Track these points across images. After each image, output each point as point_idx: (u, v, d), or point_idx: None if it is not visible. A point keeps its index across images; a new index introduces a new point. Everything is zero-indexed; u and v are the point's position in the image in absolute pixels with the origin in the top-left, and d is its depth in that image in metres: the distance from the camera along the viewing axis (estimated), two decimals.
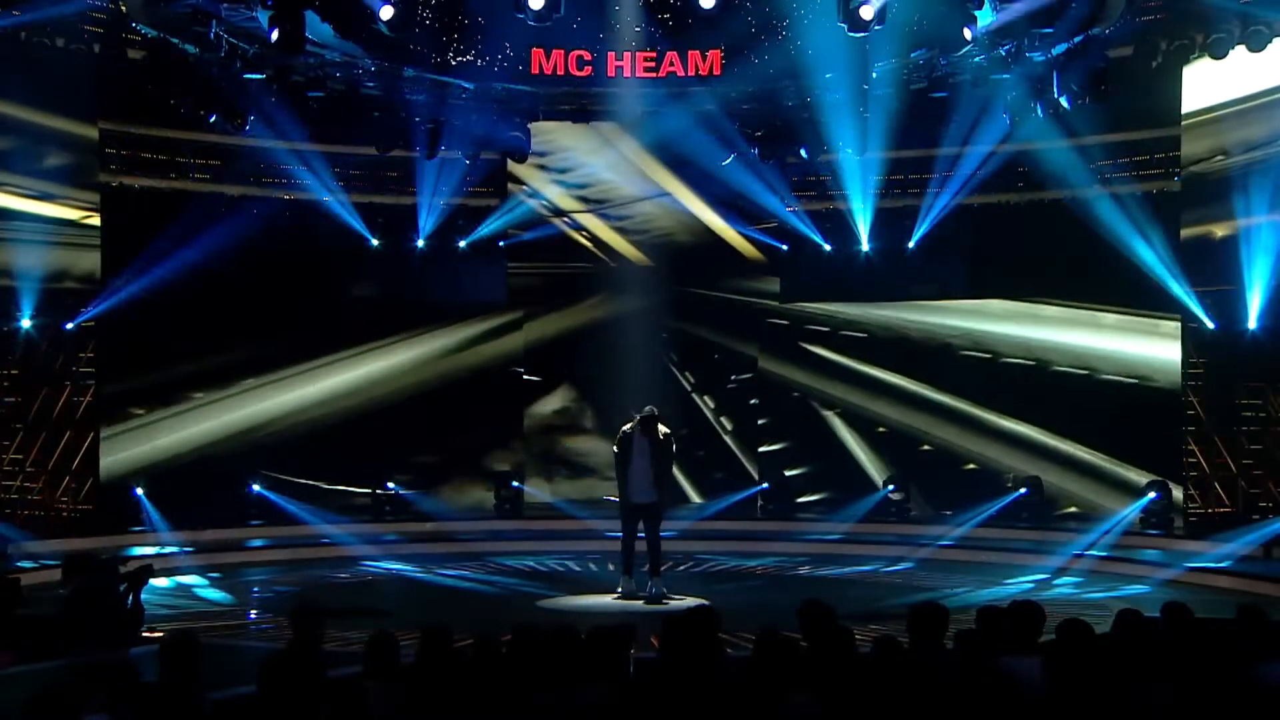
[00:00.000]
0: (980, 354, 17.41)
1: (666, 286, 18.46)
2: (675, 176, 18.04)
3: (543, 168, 18.17)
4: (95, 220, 15.86)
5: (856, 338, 18.04)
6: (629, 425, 12.50)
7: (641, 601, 12.18)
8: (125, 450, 16.23)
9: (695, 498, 18.13)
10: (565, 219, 18.46)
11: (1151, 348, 16.18)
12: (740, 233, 18.21)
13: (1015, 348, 17.19)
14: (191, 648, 5.52)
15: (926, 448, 17.50)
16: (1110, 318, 16.49)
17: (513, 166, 17.60)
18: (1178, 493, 15.65)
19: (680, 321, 18.61)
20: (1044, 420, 16.74)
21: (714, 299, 18.53)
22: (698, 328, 18.61)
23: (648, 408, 12.55)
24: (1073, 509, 16.38)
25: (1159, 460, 15.81)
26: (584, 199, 18.48)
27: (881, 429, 17.74)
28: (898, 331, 17.89)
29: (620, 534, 12.60)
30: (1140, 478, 15.81)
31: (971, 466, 17.18)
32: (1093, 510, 16.02)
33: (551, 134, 17.69)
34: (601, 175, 18.31)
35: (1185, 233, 15.60)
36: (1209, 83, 15.12)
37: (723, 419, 18.56)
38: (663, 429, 12.42)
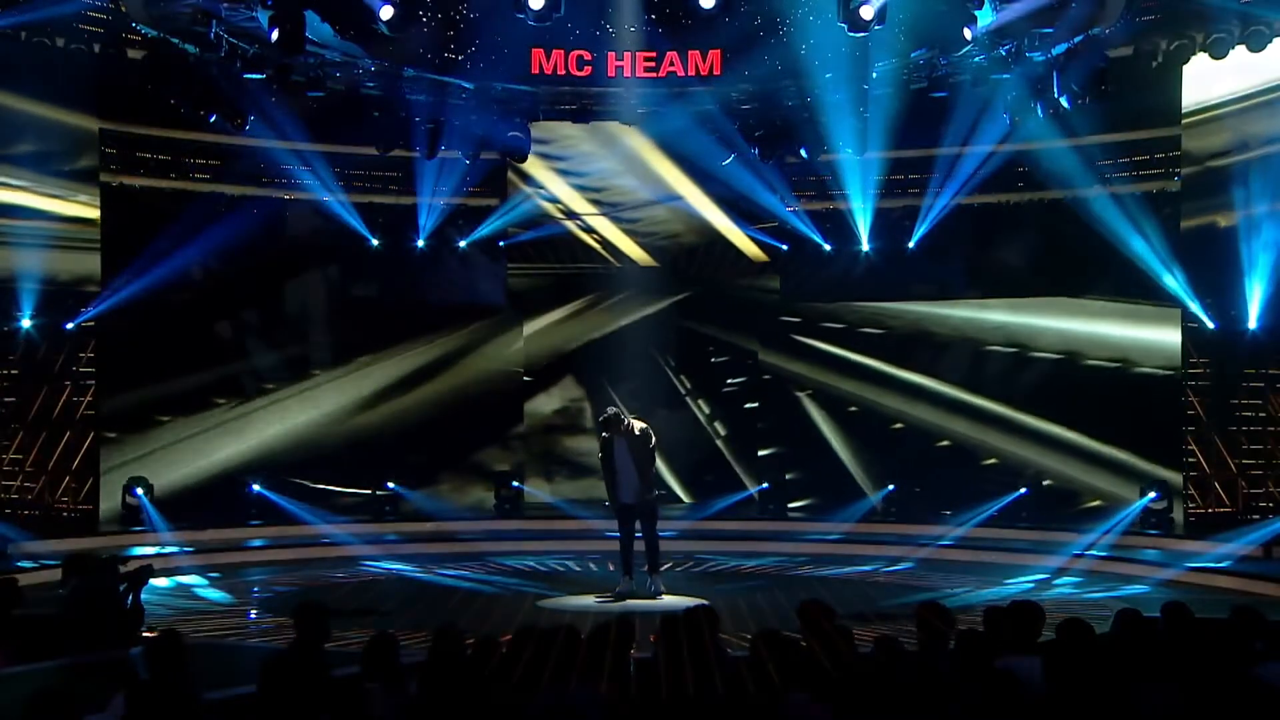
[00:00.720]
0: (986, 347, 17.38)
1: (669, 287, 18.47)
2: (687, 176, 17.98)
3: (562, 172, 18.14)
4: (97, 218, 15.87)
5: (855, 334, 17.99)
6: (605, 431, 12.56)
7: (621, 599, 12.20)
8: (127, 456, 16.25)
9: (687, 499, 18.11)
10: (577, 221, 18.41)
11: (1152, 346, 16.18)
12: (745, 233, 18.19)
13: (1025, 341, 17.16)
14: (177, 647, 5.53)
15: (945, 443, 17.43)
16: (1114, 310, 16.46)
17: (524, 167, 17.57)
18: (1177, 477, 15.68)
19: (684, 321, 18.60)
20: (1054, 413, 16.66)
21: (716, 300, 18.51)
22: (699, 329, 18.58)
23: (610, 409, 12.63)
24: (1096, 502, 16.31)
25: (1163, 454, 15.83)
26: (597, 201, 18.42)
27: (898, 425, 17.65)
28: (907, 327, 17.81)
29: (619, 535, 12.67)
30: (1158, 471, 15.78)
31: (992, 461, 17.11)
32: (1116, 503, 15.92)
33: (569, 137, 17.67)
34: (614, 178, 18.26)
35: (1185, 231, 15.60)
36: (1214, 78, 15.08)
37: (716, 424, 18.53)
38: (638, 424, 12.41)
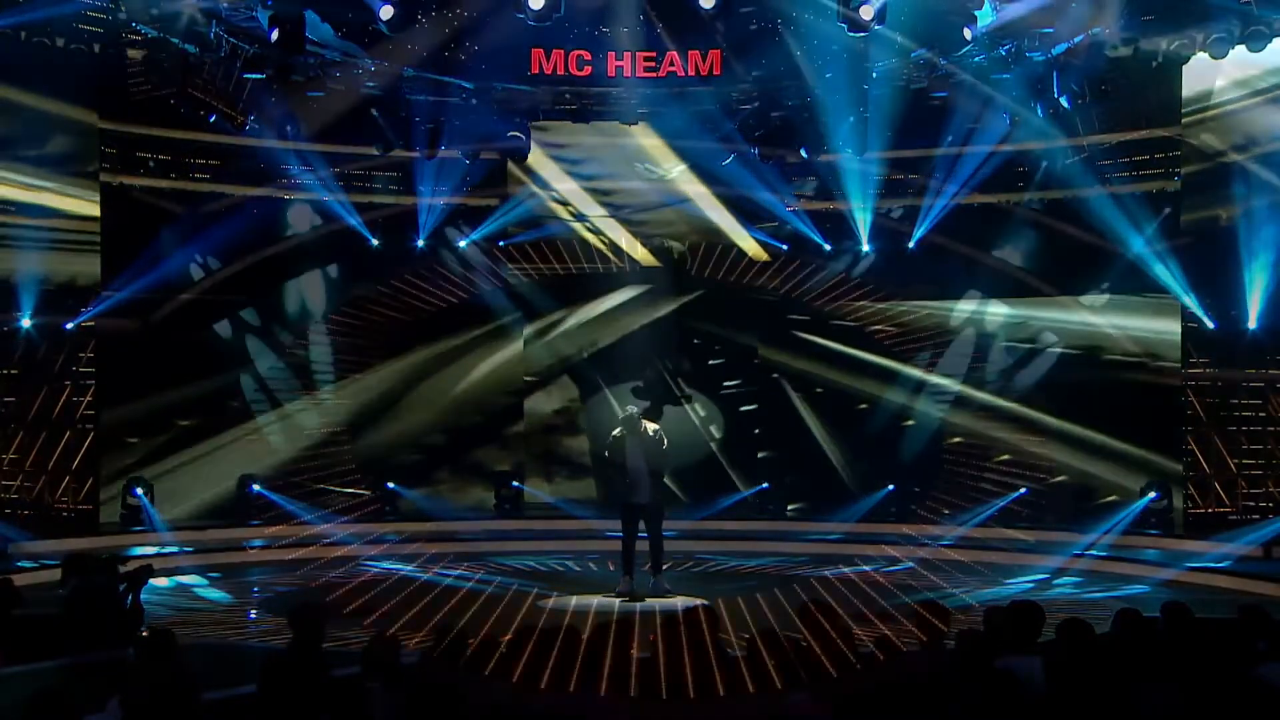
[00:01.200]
0: (986, 346, 17.37)
1: (669, 287, 18.45)
2: (693, 175, 17.94)
3: (569, 173, 18.13)
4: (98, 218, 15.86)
5: (855, 334, 17.97)
6: (618, 430, 12.59)
7: (640, 599, 12.21)
8: (127, 456, 16.26)
9: (686, 499, 18.09)
10: (585, 223, 18.37)
11: (1151, 345, 16.20)
12: (746, 233, 18.18)
13: (1024, 340, 17.16)
14: (168, 646, 5.53)
15: (945, 442, 17.41)
16: (1113, 310, 16.47)
17: (529, 165, 17.55)
18: (1177, 475, 15.69)
19: (685, 320, 18.57)
20: (1055, 413, 16.64)
21: (716, 299, 18.48)
22: (700, 328, 18.55)
23: (630, 408, 12.74)
24: (1098, 501, 16.30)
25: (1163, 454, 15.85)
26: (605, 203, 18.39)
27: (900, 424, 17.63)
28: (907, 326, 17.78)
29: (621, 534, 12.68)
30: (1157, 470, 15.78)
31: (992, 460, 17.09)
32: (1116, 502, 15.91)
33: (575, 139, 17.66)
34: (620, 179, 18.24)
35: (1185, 231, 15.59)
36: (1214, 71, 15.05)
37: (715, 424, 18.50)
38: (651, 426, 12.48)
